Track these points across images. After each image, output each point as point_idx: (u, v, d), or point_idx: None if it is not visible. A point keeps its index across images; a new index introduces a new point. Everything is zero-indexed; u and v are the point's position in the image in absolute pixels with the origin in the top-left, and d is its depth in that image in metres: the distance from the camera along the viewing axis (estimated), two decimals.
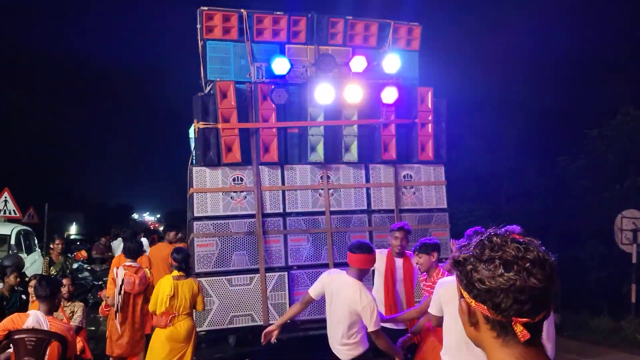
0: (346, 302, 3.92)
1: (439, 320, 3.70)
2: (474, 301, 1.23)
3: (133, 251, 5.67)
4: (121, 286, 5.42)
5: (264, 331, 4.11)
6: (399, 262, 4.94)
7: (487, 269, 1.20)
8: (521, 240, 1.22)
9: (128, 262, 5.60)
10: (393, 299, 4.92)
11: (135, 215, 52.77)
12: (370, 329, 3.95)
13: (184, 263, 5.20)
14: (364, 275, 4.04)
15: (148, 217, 55.91)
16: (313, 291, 4.13)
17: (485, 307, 1.21)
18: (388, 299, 4.93)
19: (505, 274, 1.17)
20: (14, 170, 20.46)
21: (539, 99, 14.70)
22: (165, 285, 5.10)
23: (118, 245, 6.93)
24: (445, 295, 3.60)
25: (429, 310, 3.78)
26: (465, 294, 1.26)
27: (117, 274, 5.42)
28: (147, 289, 5.52)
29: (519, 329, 1.18)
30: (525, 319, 1.18)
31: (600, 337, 8.94)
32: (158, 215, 55.42)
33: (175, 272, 5.17)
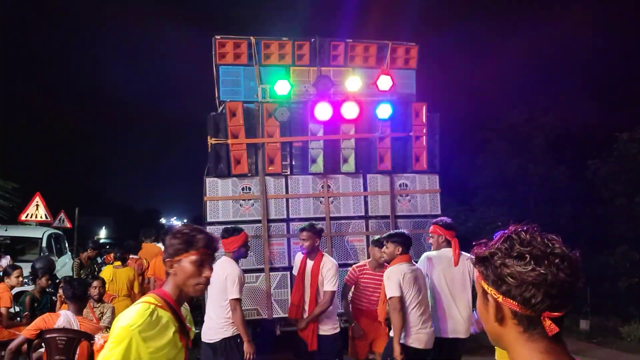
0: (217, 277, 4.58)
1: (402, 300, 4.64)
2: (501, 296, 1.29)
3: (135, 247, 9.00)
4: None
5: None
6: (309, 263, 5.46)
7: (518, 264, 1.26)
8: (547, 236, 1.31)
9: (131, 256, 8.58)
10: (299, 300, 5.42)
11: (163, 220, 54.84)
12: (231, 297, 4.62)
13: (121, 257, 8.05)
14: (238, 255, 4.99)
15: (175, 222, 57.86)
16: None
17: (514, 302, 1.27)
18: (294, 298, 5.50)
19: (537, 269, 1.24)
20: (45, 176, 22.17)
21: (568, 102, 15.16)
22: (105, 273, 7.54)
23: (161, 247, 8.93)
24: (406, 280, 4.59)
25: (396, 294, 4.61)
26: (491, 289, 1.31)
27: None
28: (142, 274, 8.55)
29: (547, 323, 1.25)
30: (555, 313, 1.25)
31: (631, 345, 9.31)
32: (185, 220, 57.30)
33: (116, 263, 7.78)
